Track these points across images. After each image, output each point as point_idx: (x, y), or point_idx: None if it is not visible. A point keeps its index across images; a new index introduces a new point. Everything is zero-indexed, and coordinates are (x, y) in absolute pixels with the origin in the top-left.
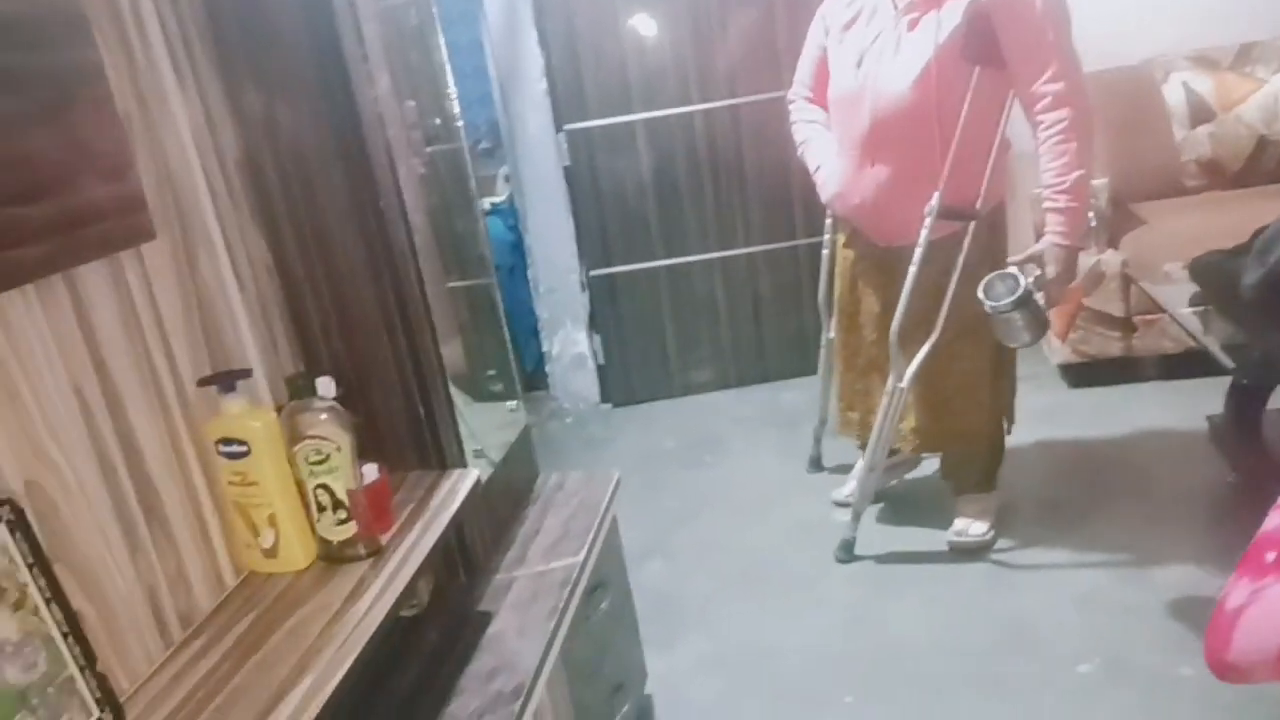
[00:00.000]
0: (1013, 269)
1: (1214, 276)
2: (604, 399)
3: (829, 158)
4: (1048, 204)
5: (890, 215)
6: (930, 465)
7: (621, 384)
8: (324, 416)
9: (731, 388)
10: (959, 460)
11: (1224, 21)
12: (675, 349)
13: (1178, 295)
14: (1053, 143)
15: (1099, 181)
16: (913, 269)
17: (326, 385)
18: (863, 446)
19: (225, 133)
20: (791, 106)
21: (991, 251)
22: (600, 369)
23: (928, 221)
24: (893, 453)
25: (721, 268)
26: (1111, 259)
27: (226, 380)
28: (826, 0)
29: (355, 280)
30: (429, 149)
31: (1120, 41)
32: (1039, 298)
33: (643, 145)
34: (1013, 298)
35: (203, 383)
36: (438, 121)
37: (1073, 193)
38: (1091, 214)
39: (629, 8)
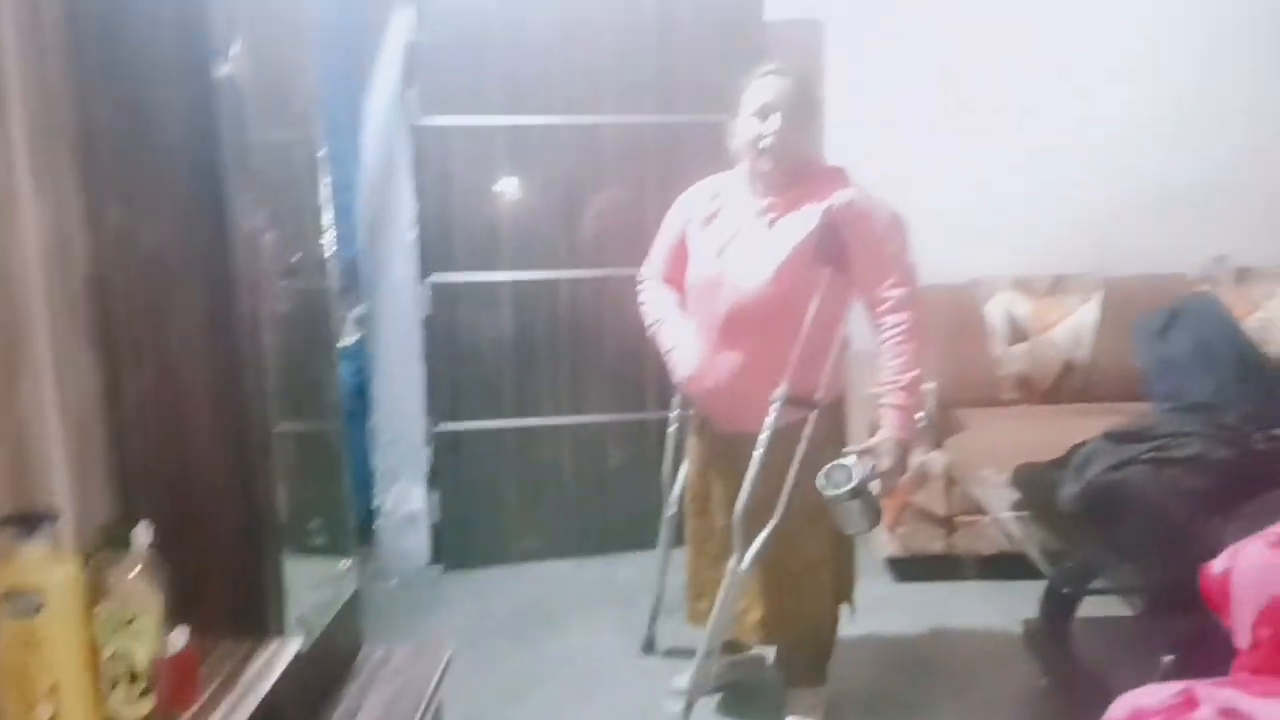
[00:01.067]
0: (850, 459)
1: (1034, 486)
2: (434, 560)
3: (683, 340)
4: (885, 399)
5: (740, 400)
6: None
7: (455, 546)
8: (135, 572)
9: (570, 557)
10: (795, 648)
11: (1041, 253)
12: (515, 513)
13: (1000, 500)
14: (893, 343)
15: (928, 385)
16: (758, 453)
17: (142, 533)
18: None
19: (78, 245)
20: (643, 286)
21: (831, 440)
22: (434, 529)
23: (775, 408)
24: (739, 648)
25: (571, 434)
26: (936, 459)
27: (25, 523)
28: (688, 191)
29: (196, 418)
30: (295, 284)
31: (951, 261)
32: (874, 488)
33: (506, 304)
34: (850, 486)
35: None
36: (307, 258)
37: (909, 390)
38: (922, 413)
39: (509, 169)
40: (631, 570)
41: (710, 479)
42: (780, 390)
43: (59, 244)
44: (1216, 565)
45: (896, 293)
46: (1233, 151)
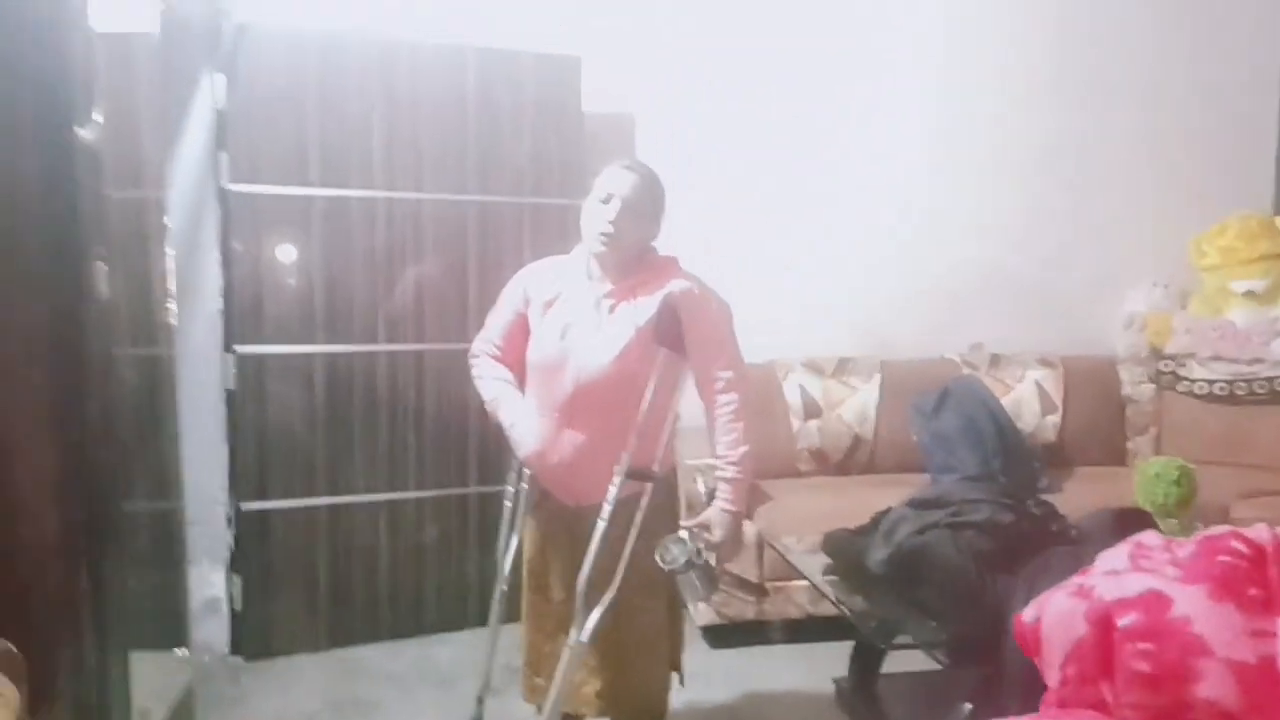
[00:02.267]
0: (685, 533)
1: (844, 551)
2: (235, 651)
3: (525, 417)
4: (719, 474)
5: (583, 475)
6: None
7: (259, 634)
8: None
9: (384, 640)
10: (632, 718)
11: (828, 338)
12: (326, 597)
13: (813, 565)
14: (725, 421)
15: None
16: (602, 524)
17: None
18: None
19: None
20: (476, 361)
21: (666, 512)
22: (235, 616)
23: (617, 481)
24: None
25: (386, 511)
26: (747, 528)
27: None
28: (527, 271)
29: (35, 503)
30: (140, 353)
31: (753, 343)
32: (709, 558)
33: (319, 378)
34: (685, 559)
35: None
36: (153, 325)
37: (741, 465)
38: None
39: (324, 240)
40: (450, 650)
41: (549, 554)
42: (622, 464)
43: None
44: (1027, 615)
45: (727, 374)
46: (982, 255)
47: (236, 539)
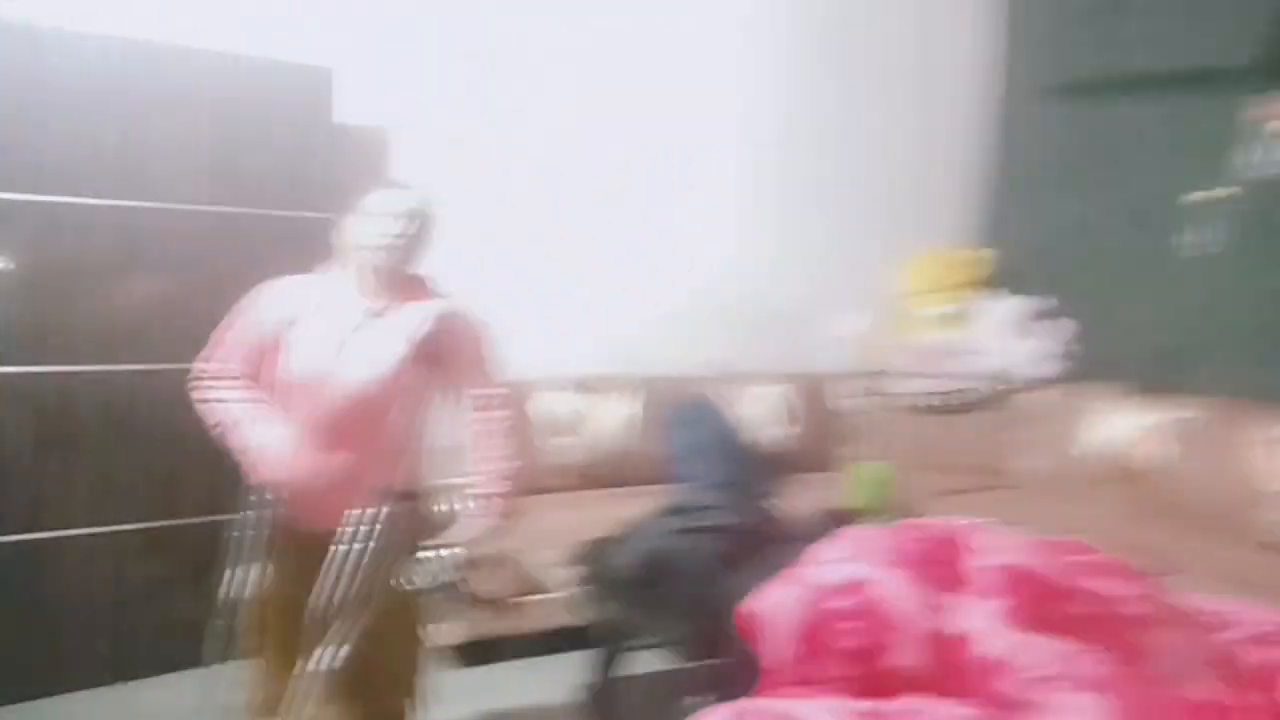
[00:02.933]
0: (431, 552)
1: (592, 559)
2: None
3: (274, 439)
4: (484, 488)
5: (335, 495)
6: None
7: None
8: None
9: (84, 689)
10: None
11: (577, 355)
12: (15, 644)
13: (560, 577)
14: (497, 437)
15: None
16: (343, 547)
17: None
18: None
19: None
20: (210, 384)
21: (412, 532)
22: None
23: (371, 501)
24: None
25: (89, 547)
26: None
27: None
28: (270, 287)
29: None
30: None
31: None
32: (459, 578)
33: (11, 402)
34: (433, 579)
35: None
36: None
37: (512, 480)
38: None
39: (38, 253)
40: (162, 694)
41: (286, 583)
42: (376, 484)
43: None
44: (747, 605)
45: (496, 391)
46: (724, 279)
47: None
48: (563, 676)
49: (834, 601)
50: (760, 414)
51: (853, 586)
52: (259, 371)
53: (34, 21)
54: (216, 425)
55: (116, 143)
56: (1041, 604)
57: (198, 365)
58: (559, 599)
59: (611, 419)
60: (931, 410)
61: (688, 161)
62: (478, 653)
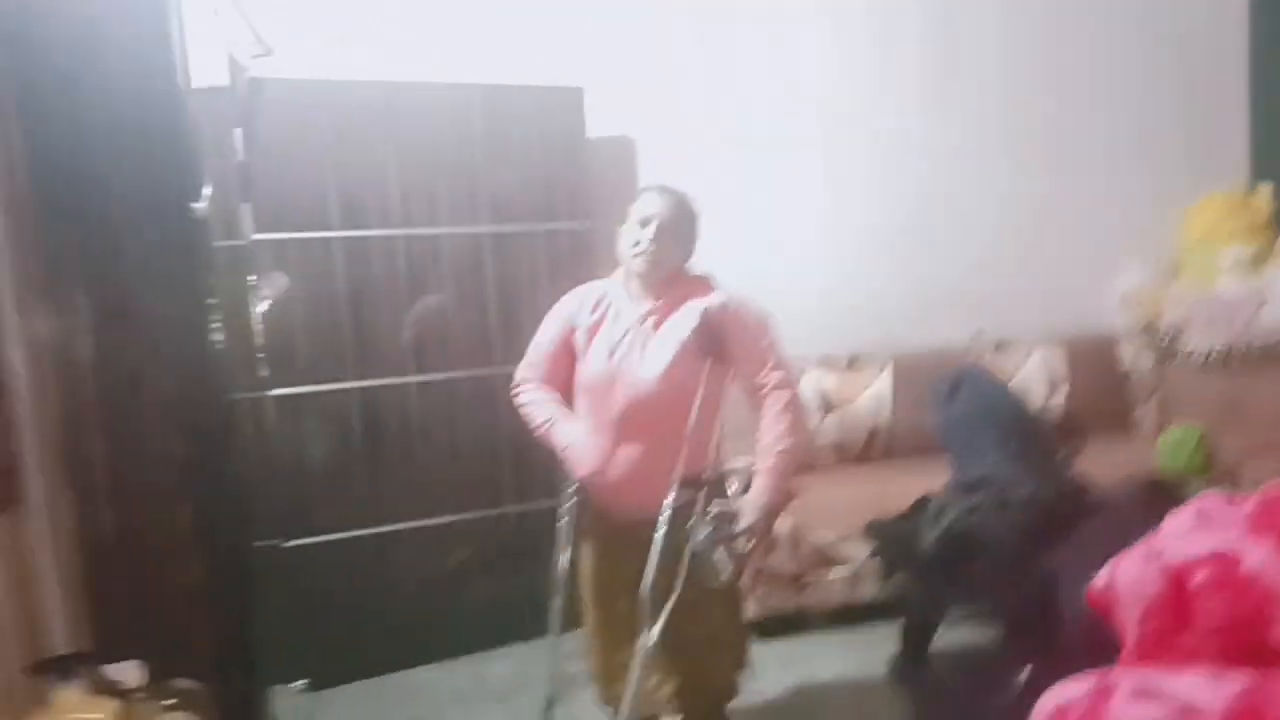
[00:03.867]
0: (714, 513)
1: (889, 537)
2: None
3: (579, 437)
4: (761, 463)
5: (640, 487)
6: None
7: (314, 664)
8: (176, 710)
9: (435, 660)
10: (704, 715)
11: (837, 335)
12: (376, 623)
13: (856, 551)
14: (773, 416)
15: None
16: (660, 532)
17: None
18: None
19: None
20: (522, 389)
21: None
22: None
23: (674, 490)
24: None
25: (414, 537)
26: (782, 523)
27: (60, 667)
28: (570, 296)
29: (174, 550)
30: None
31: None
32: (737, 545)
33: (355, 415)
34: (708, 540)
35: (35, 670)
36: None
37: (783, 456)
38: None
39: (346, 280)
40: (504, 664)
41: (611, 565)
42: (677, 474)
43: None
44: (1099, 581)
45: (775, 375)
46: (981, 247)
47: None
48: (862, 651)
49: (1199, 575)
50: (1040, 380)
51: (1217, 558)
52: (560, 376)
53: (319, 78)
54: (536, 427)
55: (399, 177)
56: None
57: (517, 373)
58: (851, 575)
59: (876, 395)
60: (1230, 365)
61: (939, 126)
62: (777, 627)
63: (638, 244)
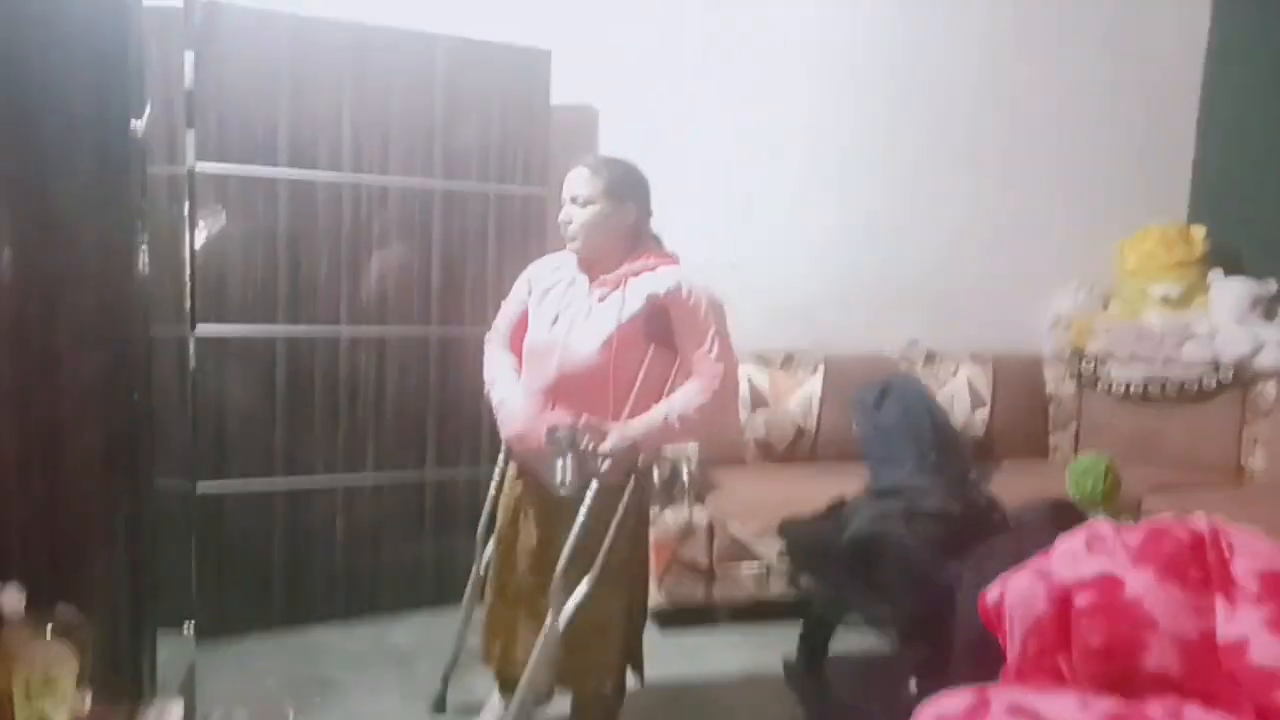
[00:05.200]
0: (580, 424)
1: (800, 536)
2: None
3: (512, 399)
4: (658, 407)
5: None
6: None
7: (214, 614)
8: (51, 636)
9: (337, 620)
10: (592, 698)
11: (776, 333)
12: (280, 578)
13: (769, 548)
14: (694, 385)
15: (691, 446)
16: (580, 517)
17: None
18: (500, 680)
19: None
20: (487, 346)
21: (644, 502)
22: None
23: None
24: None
25: (344, 494)
26: (699, 514)
27: None
28: (536, 262)
29: (79, 482)
30: (168, 334)
31: None
32: (588, 463)
33: (280, 360)
34: (565, 443)
35: None
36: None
37: (679, 414)
38: (686, 472)
39: (289, 222)
40: (405, 630)
41: (522, 526)
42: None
43: None
44: (991, 594)
45: (710, 357)
46: (918, 255)
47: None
48: (767, 648)
49: (1083, 597)
50: (964, 396)
51: (1102, 583)
52: (518, 340)
53: (273, 8)
54: (485, 383)
55: (355, 121)
56: None
57: (490, 330)
58: (762, 570)
59: (806, 396)
60: (1149, 398)
61: (893, 138)
62: (683, 618)
63: (567, 222)
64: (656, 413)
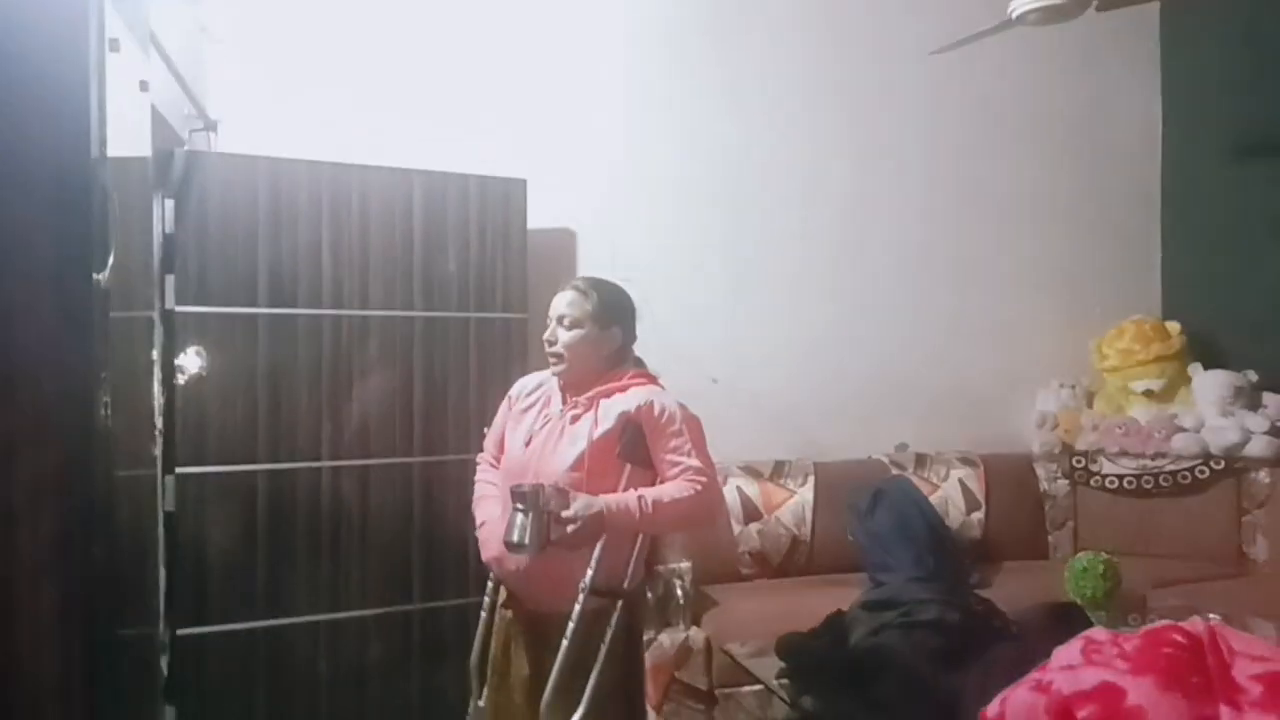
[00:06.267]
0: (550, 487)
1: (798, 653)
2: None
3: (493, 519)
4: (631, 493)
5: (542, 583)
6: None
7: None
8: None
9: None
10: None
11: (765, 442)
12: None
13: (768, 669)
14: (678, 482)
15: (684, 565)
16: (565, 643)
17: None
18: None
19: None
20: (479, 465)
21: (635, 626)
22: None
23: (581, 598)
24: None
25: (329, 631)
26: (696, 635)
27: None
28: (519, 382)
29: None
30: (130, 477)
31: None
32: (544, 524)
33: (261, 500)
34: (530, 501)
35: None
36: (143, 441)
37: (654, 507)
38: (680, 591)
39: (269, 359)
40: None
41: (513, 655)
42: (585, 581)
43: None
44: (992, 710)
45: (694, 463)
46: (904, 359)
47: (170, 666)
48: None
49: (1084, 710)
50: (958, 498)
51: (1103, 694)
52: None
53: (255, 151)
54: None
55: (338, 257)
56: None
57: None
58: (764, 692)
59: (799, 505)
60: (1144, 491)
61: (870, 241)
62: None
63: (551, 343)
64: (629, 493)
